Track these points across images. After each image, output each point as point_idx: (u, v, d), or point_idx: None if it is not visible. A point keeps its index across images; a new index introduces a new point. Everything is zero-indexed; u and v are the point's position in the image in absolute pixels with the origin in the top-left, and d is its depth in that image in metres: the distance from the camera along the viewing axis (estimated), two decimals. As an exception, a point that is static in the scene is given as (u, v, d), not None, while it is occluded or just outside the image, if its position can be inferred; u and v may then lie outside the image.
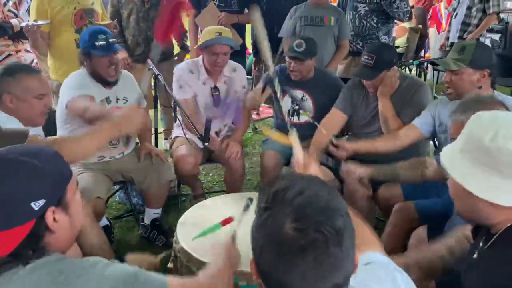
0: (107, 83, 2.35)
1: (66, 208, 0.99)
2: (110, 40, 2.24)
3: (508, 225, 1.05)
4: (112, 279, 0.93)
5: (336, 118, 2.55)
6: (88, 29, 2.33)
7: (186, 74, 2.67)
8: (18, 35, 2.99)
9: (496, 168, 1.01)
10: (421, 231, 1.86)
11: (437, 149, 2.20)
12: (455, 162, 1.08)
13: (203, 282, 1.11)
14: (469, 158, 1.05)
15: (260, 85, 2.67)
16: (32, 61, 3.15)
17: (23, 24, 2.76)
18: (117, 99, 2.41)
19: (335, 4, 3.39)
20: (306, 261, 0.72)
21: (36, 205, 0.92)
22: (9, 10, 2.97)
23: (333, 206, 0.76)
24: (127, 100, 2.43)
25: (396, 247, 2.04)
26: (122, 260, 1.28)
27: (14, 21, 2.96)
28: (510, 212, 1.03)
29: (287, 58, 2.65)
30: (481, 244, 1.13)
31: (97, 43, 2.21)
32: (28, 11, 3.01)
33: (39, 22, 2.71)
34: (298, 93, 2.73)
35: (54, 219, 0.95)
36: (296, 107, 2.76)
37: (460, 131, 1.29)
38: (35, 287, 0.90)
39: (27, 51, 3.11)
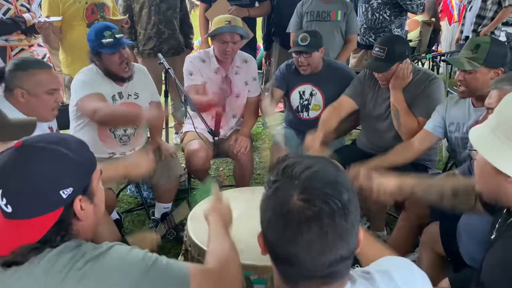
0: (122, 80, 2.31)
1: (92, 196, 1.01)
2: (117, 35, 2.20)
3: None
4: (133, 264, 0.95)
5: (344, 103, 2.51)
6: (93, 27, 2.27)
7: (197, 62, 2.67)
8: (31, 30, 3.01)
9: None
10: (433, 227, 1.85)
11: (452, 151, 2.14)
12: (486, 141, 1.06)
13: (218, 269, 1.11)
14: (500, 138, 1.03)
15: (267, 92, 2.67)
16: (45, 55, 3.17)
17: (36, 20, 2.78)
18: (129, 95, 2.39)
19: None
20: (312, 232, 0.74)
21: (65, 193, 0.94)
22: (22, 5, 2.99)
23: (339, 181, 0.79)
24: (138, 96, 2.42)
25: (407, 243, 2.03)
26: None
27: (27, 15, 2.98)
28: None
29: (293, 54, 2.63)
30: (498, 225, 1.13)
31: (104, 41, 2.17)
32: (40, 5, 3.03)
33: (51, 19, 2.72)
34: (308, 88, 2.71)
35: (81, 207, 0.97)
36: (305, 102, 2.74)
37: (499, 100, 1.27)
38: (58, 270, 0.91)
39: (40, 46, 3.14)
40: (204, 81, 2.66)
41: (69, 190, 0.94)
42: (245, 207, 1.95)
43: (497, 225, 1.15)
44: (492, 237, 1.16)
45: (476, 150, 1.10)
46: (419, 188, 1.53)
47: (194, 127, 2.53)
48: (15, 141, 1.00)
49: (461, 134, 2.00)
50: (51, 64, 3.20)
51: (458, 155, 2.07)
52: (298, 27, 3.29)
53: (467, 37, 4.64)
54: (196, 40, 4.27)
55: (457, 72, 1.98)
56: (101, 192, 1.07)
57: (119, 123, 2.28)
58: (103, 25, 2.27)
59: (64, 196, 0.94)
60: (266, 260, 1.51)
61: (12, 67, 1.78)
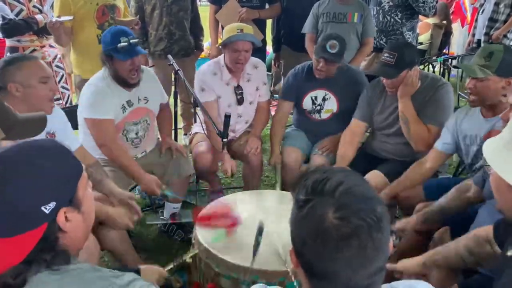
0: (129, 85, 2.30)
1: (78, 206, 0.95)
2: (132, 42, 2.18)
3: None
4: None
5: (358, 129, 2.53)
6: (110, 29, 2.25)
7: (209, 77, 2.63)
8: (43, 31, 3.04)
9: None
10: (444, 233, 1.82)
11: (469, 165, 2.09)
12: (499, 157, 1.05)
13: None
14: None
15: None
16: (56, 56, 3.20)
17: (47, 20, 2.80)
18: (138, 99, 2.38)
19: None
20: (351, 248, 0.75)
21: (47, 209, 0.88)
22: (34, 6, 3.02)
23: (371, 195, 0.80)
24: (148, 100, 2.41)
25: (416, 248, 2.00)
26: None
27: (39, 16, 3.01)
28: None
29: (316, 57, 2.56)
30: None
31: (119, 46, 2.15)
32: (52, 6, 3.05)
33: (62, 18, 2.73)
34: (320, 93, 2.69)
35: (66, 218, 0.92)
36: (318, 107, 2.72)
37: None
38: None
39: (51, 46, 3.17)
40: (217, 96, 2.64)
41: (52, 204, 0.89)
42: (253, 210, 1.95)
43: None
44: (508, 254, 1.12)
45: (490, 165, 1.08)
46: (439, 258, 1.52)
47: (203, 129, 2.53)
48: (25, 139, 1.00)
49: (477, 146, 1.97)
50: (62, 65, 3.26)
51: (472, 166, 2.04)
52: (314, 28, 3.26)
53: (479, 40, 4.60)
54: (206, 42, 4.27)
55: (468, 80, 1.95)
56: (90, 198, 1.01)
57: (124, 167, 2.30)
58: (120, 29, 2.24)
59: (47, 212, 0.88)
60: (273, 265, 1.53)
61: (1, 65, 1.77)
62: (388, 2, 3.35)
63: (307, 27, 3.31)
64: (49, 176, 0.91)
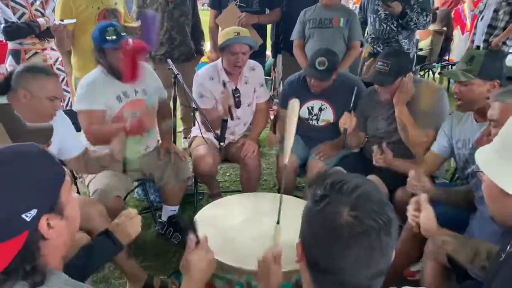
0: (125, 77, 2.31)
1: (62, 212, 0.92)
2: (120, 32, 2.25)
3: None
4: None
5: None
6: (97, 26, 2.34)
7: (206, 82, 2.66)
8: (45, 34, 3.07)
9: None
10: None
11: (460, 170, 2.11)
12: (492, 163, 1.06)
13: None
14: (507, 158, 1.03)
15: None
16: (57, 59, 3.24)
17: (51, 24, 2.84)
18: (136, 91, 2.41)
19: (346, 4, 3.37)
20: (361, 247, 0.78)
21: (28, 216, 0.86)
22: (36, 10, 3.06)
23: (385, 201, 0.84)
24: (145, 92, 2.44)
25: (411, 253, 2.01)
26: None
27: (41, 20, 3.04)
28: None
29: (306, 75, 2.60)
30: (509, 247, 1.12)
31: (108, 37, 2.23)
32: (54, 10, 3.09)
33: (66, 22, 2.77)
34: (316, 103, 2.71)
35: (49, 225, 0.90)
36: (314, 117, 2.74)
37: (501, 113, 1.23)
38: None
39: (53, 49, 3.20)
40: (215, 102, 2.66)
41: (33, 212, 0.86)
42: (250, 212, 1.96)
43: (508, 247, 1.12)
44: (501, 259, 1.13)
45: (483, 172, 1.09)
46: (456, 241, 1.47)
47: (201, 133, 2.56)
48: None
49: (468, 151, 1.99)
50: (63, 68, 3.29)
51: (464, 171, 2.06)
52: (301, 35, 3.30)
53: (478, 47, 4.61)
54: (207, 43, 4.30)
55: (454, 85, 1.99)
56: (73, 203, 0.98)
57: (109, 139, 2.25)
58: (106, 23, 2.33)
59: (28, 219, 0.86)
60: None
61: (22, 68, 1.84)
62: (385, 11, 3.37)
63: (294, 34, 3.36)
64: (29, 183, 0.88)
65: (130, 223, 1.52)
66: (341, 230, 0.79)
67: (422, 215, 1.49)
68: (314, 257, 0.83)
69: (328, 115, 2.71)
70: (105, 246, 1.46)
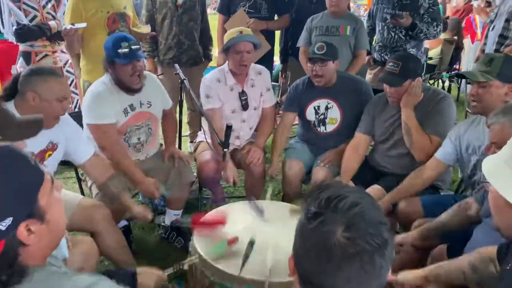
0: (131, 91, 2.34)
1: (42, 216, 0.88)
2: (133, 47, 2.23)
3: None
4: None
5: (362, 142, 2.55)
6: (112, 36, 2.33)
7: (213, 84, 2.67)
8: (55, 37, 3.11)
9: None
10: (441, 250, 1.81)
11: (468, 177, 2.09)
12: (498, 173, 1.05)
13: None
14: None
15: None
16: (67, 61, 3.28)
17: (62, 28, 2.87)
18: (141, 104, 2.42)
19: (354, 12, 3.37)
20: (353, 268, 0.76)
21: (3, 225, 0.82)
22: (48, 12, 3.11)
23: (381, 220, 0.80)
24: (151, 105, 2.45)
25: (414, 264, 1.99)
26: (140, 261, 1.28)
27: (52, 23, 3.09)
28: None
29: (309, 64, 2.62)
30: None
31: (120, 51, 2.21)
32: (65, 13, 3.13)
33: (77, 26, 2.80)
34: (323, 102, 2.71)
35: (29, 230, 0.86)
36: (321, 116, 2.74)
37: (500, 134, 1.22)
38: None
39: (63, 52, 3.24)
40: (221, 104, 2.67)
41: (8, 220, 0.82)
42: (250, 220, 1.96)
43: None
44: (508, 268, 1.13)
45: (489, 182, 1.08)
46: (441, 272, 1.49)
47: (206, 138, 2.56)
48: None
49: (478, 157, 1.97)
50: (72, 71, 3.33)
51: (471, 178, 2.04)
52: (307, 42, 3.31)
53: (488, 57, 4.57)
54: (216, 50, 4.32)
55: (471, 87, 1.96)
56: (55, 204, 0.92)
57: (124, 171, 2.33)
58: (121, 35, 2.32)
59: (3, 228, 0.82)
60: (265, 275, 1.53)
61: (28, 72, 1.86)
62: (394, 25, 3.36)
63: (301, 41, 3.36)
64: (1, 190, 0.83)
65: (157, 278, 1.52)
66: (333, 250, 0.76)
67: None
68: (306, 273, 0.82)
69: (335, 113, 2.70)
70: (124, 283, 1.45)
